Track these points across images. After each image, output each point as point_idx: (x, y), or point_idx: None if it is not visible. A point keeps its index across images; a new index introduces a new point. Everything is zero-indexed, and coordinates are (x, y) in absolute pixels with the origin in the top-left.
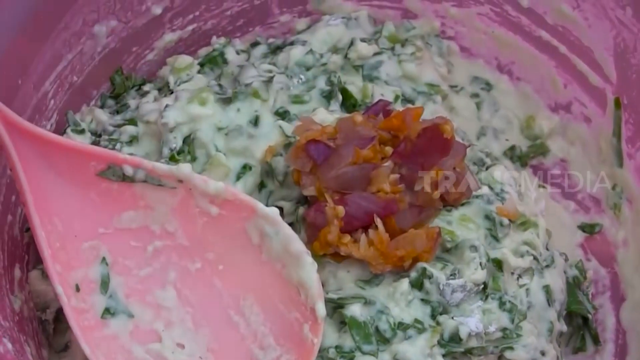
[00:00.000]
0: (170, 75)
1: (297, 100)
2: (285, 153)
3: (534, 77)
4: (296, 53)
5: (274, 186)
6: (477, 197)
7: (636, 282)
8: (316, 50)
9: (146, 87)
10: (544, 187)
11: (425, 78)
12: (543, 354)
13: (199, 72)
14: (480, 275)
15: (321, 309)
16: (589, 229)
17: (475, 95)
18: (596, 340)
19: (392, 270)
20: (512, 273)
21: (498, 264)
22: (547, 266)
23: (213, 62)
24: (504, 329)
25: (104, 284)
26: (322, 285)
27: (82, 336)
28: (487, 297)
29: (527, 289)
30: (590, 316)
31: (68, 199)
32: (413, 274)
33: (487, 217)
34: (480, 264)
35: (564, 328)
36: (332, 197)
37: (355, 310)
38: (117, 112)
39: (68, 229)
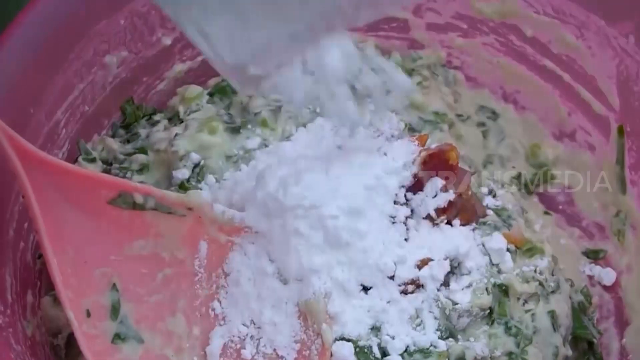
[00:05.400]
0: (180, 105)
1: None
2: None
3: (538, 106)
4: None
5: None
6: (483, 223)
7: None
8: None
9: (156, 117)
10: (549, 214)
11: (432, 107)
12: None
13: (208, 101)
14: (486, 300)
15: (328, 334)
16: (593, 255)
17: (481, 124)
18: None
19: None
20: (518, 298)
21: (504, 290)
22: (552, 292)
23: (222, 92)
24: (509, 353)
25: (115, 310)
26: None
27: None
28: (493, 322)
29: (532, 314)
30: (595, 341)
31: (79, 226)
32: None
33: None
34: (487, 289)
35: (569, 352)
36: None
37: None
38: (128, 141)
39: (79, 255)
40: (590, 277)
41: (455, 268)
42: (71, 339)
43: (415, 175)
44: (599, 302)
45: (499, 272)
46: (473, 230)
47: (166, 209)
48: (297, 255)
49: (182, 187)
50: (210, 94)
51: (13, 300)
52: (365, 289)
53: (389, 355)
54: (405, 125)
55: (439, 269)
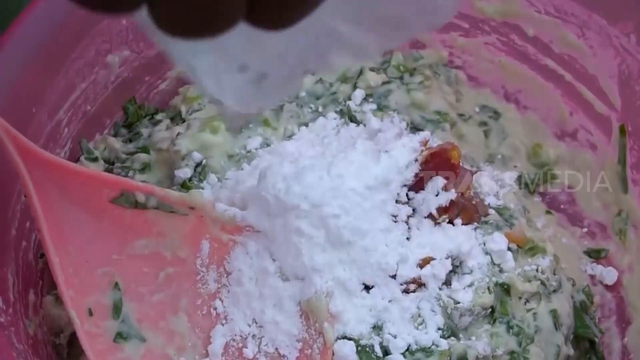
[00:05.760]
0: (182, 105)
1: None
2: None
3: (540, 106)
4: (306, 82)
5: None
6: (485, 222)
7: None
8: (326, 79)
9: (159, 116)
10: (551, 213)
11: (433, 106)
12: None
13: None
14: (488, 299)
15: (330, 333)
16: (595, 254)
17: (483, 124)
18: None
19: None
20: (520, 297)
21: (506, 289)
22: (554, 291)
23: None
24: (511, 352)
25: (117, 309)
26: None
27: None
28: (494, 320)
29: (534, 313)
30: (597, 340)
31: (82, 225)
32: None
33: None
34: (488, 288)
35: (571, 351)
36: None
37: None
38: (130, 141)
39: (81, 255)
40: (592, 277)
41: (457, 267)
42: (73, 338)
43: (416, 175)
44: (600, 301)
45: (501, 271)
46: (475, 229)
47: (168, 208)
48: (299, 254)
49: (184, 186)
50: None
51: (15, 299)
52: (367, 287)
53: (390, 354)
54: (407, 124)
55: (441, 267)
